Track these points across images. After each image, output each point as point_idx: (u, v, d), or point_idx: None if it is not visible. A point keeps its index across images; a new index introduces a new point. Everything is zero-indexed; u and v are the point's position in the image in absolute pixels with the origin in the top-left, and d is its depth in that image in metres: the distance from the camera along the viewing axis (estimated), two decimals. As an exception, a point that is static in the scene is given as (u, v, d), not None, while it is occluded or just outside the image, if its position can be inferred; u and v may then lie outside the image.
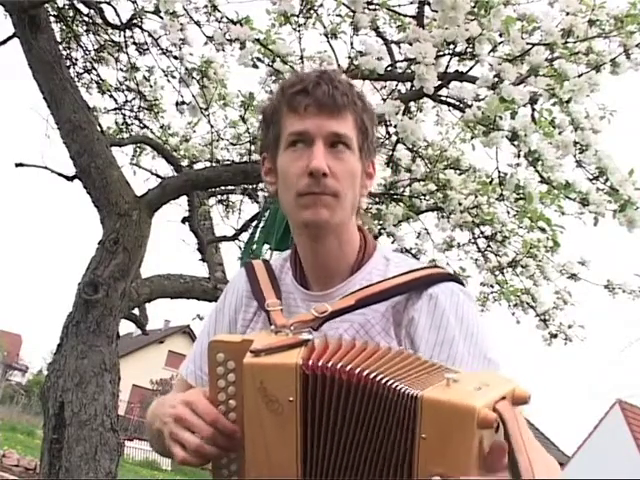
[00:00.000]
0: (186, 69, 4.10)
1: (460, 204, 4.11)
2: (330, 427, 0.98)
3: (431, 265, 1.32)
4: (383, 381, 0.94)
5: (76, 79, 4.55)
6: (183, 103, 4.35)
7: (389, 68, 3.49)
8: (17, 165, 4.22)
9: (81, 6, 4.51)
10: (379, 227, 4.09)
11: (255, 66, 3.20)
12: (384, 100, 3.39)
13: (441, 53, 3.07)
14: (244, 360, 1.03)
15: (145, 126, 5.19)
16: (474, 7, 2.92)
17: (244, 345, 1.05)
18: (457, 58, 3.39)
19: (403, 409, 0.92)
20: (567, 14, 3.21)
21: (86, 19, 4.60)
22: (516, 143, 3.08)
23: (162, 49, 4.20)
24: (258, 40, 3.21)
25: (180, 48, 3.94)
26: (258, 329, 1.27)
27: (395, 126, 3.17)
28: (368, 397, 0.95)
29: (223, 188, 5.12)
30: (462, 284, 1.24)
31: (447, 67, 3.24)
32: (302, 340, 1.05)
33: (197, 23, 3.79)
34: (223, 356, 1.07)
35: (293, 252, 1.31)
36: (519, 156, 3.36)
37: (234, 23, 3.36)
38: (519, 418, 0.91)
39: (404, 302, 1.19)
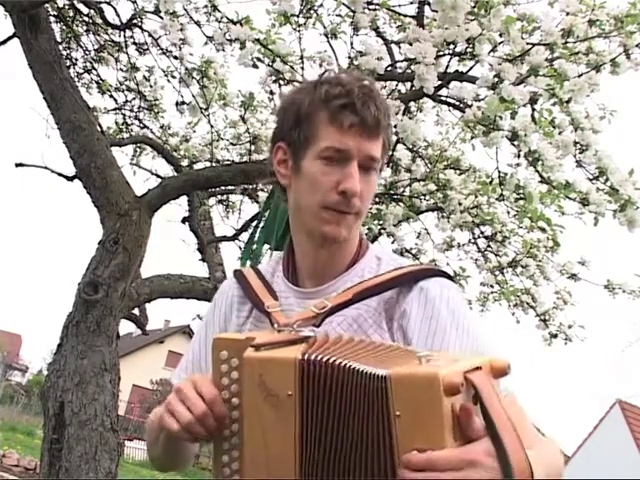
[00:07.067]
0: (186, 69, 4.10)
1: (460, 204, 4.10)
2: (328, 422, 0.99)
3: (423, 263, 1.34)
4: (353, 367, 0.95)
5: (76, 79, 4.55)
6: (183, 103, 4.35)
7: (389, 68, 3.48)
8: (17, 165, 4.22)
9: (81, 6, 4.52)
10: (379, 227, 4.09)
11: (255, 66, 3.20)
12: (384, 100, 3.38)
13: (441, 53, 3.07)
14: (244, 354, 1.04)
15: (145, 126, 5.20)
16: (474, 7, 2.92)
17: (247, 342, 1.06)
18: (457, 58, 3.39)
19: (375, 390, 0.93)
20: (567, 14, 3.21)
21: (86, 19, 4.60)
22: (516, 143, 3.08)
23: (162, 49, 4.20)
24: (258, 40, 3.21)
25: (180, 48, 3.94)
26: (247, 330, 1.28)
27: (395, 126, 3.17)
28: (350, 386, 0.96)
29: (223, 188, 5.12)
30: (452, 280, 1.26)
31: (447, 67, 3.24)
32: (303, 337, 1.07)
33: (197, 23, 3.79)
34: (227, 354, 1.08)
35: (288, 252, 1.32)
36: (519, 156, 3.36)
37: (234, 23, 3.36)
38: (496, 388, 0.90)
39: (396, 296, 1.21)
